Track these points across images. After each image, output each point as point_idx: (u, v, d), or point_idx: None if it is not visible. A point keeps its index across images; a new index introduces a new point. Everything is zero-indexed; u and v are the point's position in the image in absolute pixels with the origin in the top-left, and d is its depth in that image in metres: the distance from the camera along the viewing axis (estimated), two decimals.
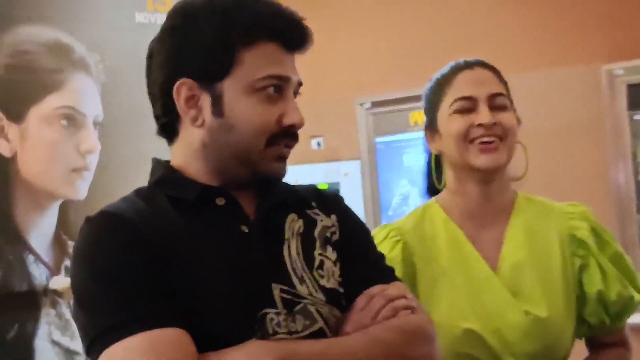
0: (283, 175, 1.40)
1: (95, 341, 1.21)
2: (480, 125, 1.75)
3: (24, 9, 2.29)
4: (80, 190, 2.37)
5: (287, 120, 1.35)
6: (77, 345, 2.31)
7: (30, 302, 2.26)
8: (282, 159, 1.37)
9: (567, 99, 3.47)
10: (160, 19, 2.46)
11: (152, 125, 2.49)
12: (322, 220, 1.46)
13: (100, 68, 2.41)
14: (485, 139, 1.75)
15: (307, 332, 1.32)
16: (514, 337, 1.72)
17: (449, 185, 1.88)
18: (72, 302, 2.24)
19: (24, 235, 2.27)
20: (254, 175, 1.37)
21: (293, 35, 1.37)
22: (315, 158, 3.94)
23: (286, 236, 1.40)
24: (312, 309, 1.34)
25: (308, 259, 1.40)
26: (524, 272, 1.78)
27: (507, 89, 1.84)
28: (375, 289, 1.38)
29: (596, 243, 1.80)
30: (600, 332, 1.83)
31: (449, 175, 1.88)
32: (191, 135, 1.37)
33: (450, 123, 1.80)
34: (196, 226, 1.32)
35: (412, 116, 3.72)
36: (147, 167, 2.47)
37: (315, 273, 1.39)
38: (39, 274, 2.29)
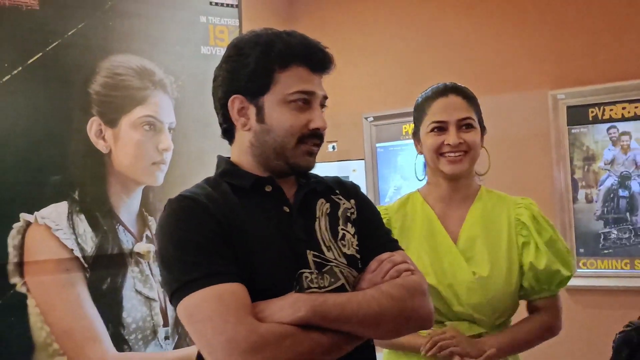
0: (311, 167, 1.40)
1: (176, 293, 1.24)
2: (448, 144, 1.78)
3: (118, 42, 2.29)
4: (159, 178, 2.36)
5: (313, 125, 1.36)
6: (154, 294, 2.32)
7: (120, 261, 2.26)
8: (310, 154, 1.37)
9: (522, 115, 3.48)
10: (220, 51, 2.52)
11: (211, 130, 2.48)
12: (343, 204, 1.47)
13: (174, 87, 2.41)
14: (452, 155, 1.79)
15: (332, 287, 1.34)
16: (461, 291, 1.74)
17: (428, 178, 1.91)
18: (150, 262, 2.26)
19: (116, 211, 2.26)
20: (288, 167, 1.36)
21: (318, 60, 1.38)
22: (331, 158, 3.96)
23: (317, 215, 1.41)
24: (336, 269, 1.36)
25: (333, 232, 1.41)
26: (476, 243, 1.80)
27: (477, 107, 1.85)
28: (384, 255, 1.40)
29: (535, 228, 1.81)
30: (532, 294, 1.84)
31: (428, 171, 1.91)
32: (243, 137, 1.39)
33: (427, 138, 1.83)
34: (250, 207, 1.34)
35: (404, 127, 3.74)
36: (208, 161, 2.50)
37: (339, 243, 1.40)
38: (126, 240, 2.28)
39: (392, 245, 1.47)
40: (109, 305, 2.20)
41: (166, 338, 2.33)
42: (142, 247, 2.31)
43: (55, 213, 2.11)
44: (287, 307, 1.22)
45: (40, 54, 2.09)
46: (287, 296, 1.26)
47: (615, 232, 3.21)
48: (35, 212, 2.06)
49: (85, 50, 2.19)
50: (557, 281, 1.81)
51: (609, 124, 3.24)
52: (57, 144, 2.13)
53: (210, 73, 2.44)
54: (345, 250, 1.40)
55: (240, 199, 1.34)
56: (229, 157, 1.44)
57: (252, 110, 1.36)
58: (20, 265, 2.02)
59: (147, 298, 2.30)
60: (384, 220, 1.64)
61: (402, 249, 1.47)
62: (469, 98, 1.83)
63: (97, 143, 2.22)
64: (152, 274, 2.31)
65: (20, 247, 2.03)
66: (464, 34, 3.68)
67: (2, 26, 2.02)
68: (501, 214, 1.84)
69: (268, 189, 1.37)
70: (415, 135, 1.90)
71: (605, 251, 3.22)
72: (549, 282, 1.81)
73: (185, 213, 1.28)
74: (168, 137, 2.36)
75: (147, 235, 2.33)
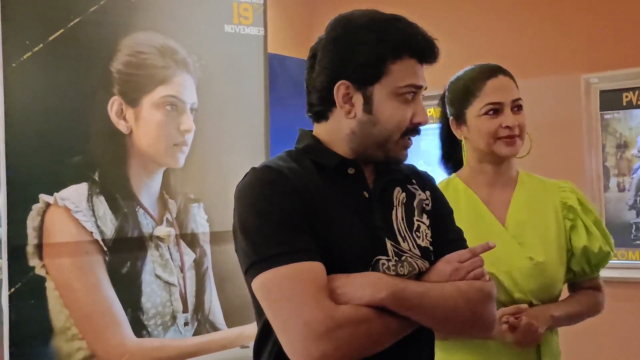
0: (405, 159, 1.38)
1: (254, 266, 1.23)
2: (506, 127, 1.76)
3: (141, 20, 2.27)
4: (180, 160, 2.36)
5: (417, 119, 1.34)
6: (174, 279, 2.32)
7: (140, 245, 2.25)
8: (407, 147, 1.36)
9: (553, 100, 3.45)
10: (243, 30, 2.53)
11: (234, 111, 2.46)
12: (419, 194, 1.44)
13: (197, 66, 2.40)
14: (509, 137, 1.77)
15: (409, 276, 1.33)
16: (520, 277, 1.74)
17: (471, 164, 1.87)
18: (170, 246, 2.25)
19: (136, 194, 2.26)
20: (385, 158, 1.35)
21: (428, 53, 1.35)
22: None
23: (394, 204, 1.39)
24: (411, 260, 1.35)
25: (409, 223, 1.39)
26: (526, 228, 1.79)
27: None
28: (465, 254, 1.38)
29: (581, 210, 1.82)
30: (580, 278, 1.85)
31: (470, 156, 1.87)
32: (342, 123, 1.35)
33: (481, 122, 1.79)
34: (332, 186, 1.32)
35: (428, 112, 3.70)
36: (230, 143, 2.45)
37: (414, 234, 1.39)
38: (146, 223, 2.28)
39: (463, 244, 1.45)
40: (128, 290, 2.20)
41: (185, 324, 2.34)
42: (163, 230, 2.31)
43: (75, 194, 2.11)
44: (368, 287, 1.22)
45: (62, 31, 2.08)
46: (368, 274, 1.26)
47: None
48: (55, 194, 2.06)
49: (107, 27, 2.18)
50: (605, 262, 1.84)
51: None
52: (77, 124, 2.13)
53: (234, 52, 2.47)
54: (419, 242, 1.39)
55: (322, 176, 1.32)
56: (312, 131, 1.41)
57: (358, 99, 1.32)
58: (39, 247, 2.03)
59: (167, 283, 2.30)
60: None
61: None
62: (514, 79, 1.82)
63: (118, 123, 2.21)
64: (172, 258, 2.32)
65: (40, 229, 2.03)
66: (497, 18, 3.65)
67: (23, 3, 2.01)
68: (546, 198, 1.84)
69: (351, 171, 1.36)
70: (457, 119, 1.85)
71: (638, 242, 3.22)
72: (598, 264, 1.83)
73: (271, 185, 1.27)
74: (190, 118, 2.36)
75: (167, 219, 2.33)
